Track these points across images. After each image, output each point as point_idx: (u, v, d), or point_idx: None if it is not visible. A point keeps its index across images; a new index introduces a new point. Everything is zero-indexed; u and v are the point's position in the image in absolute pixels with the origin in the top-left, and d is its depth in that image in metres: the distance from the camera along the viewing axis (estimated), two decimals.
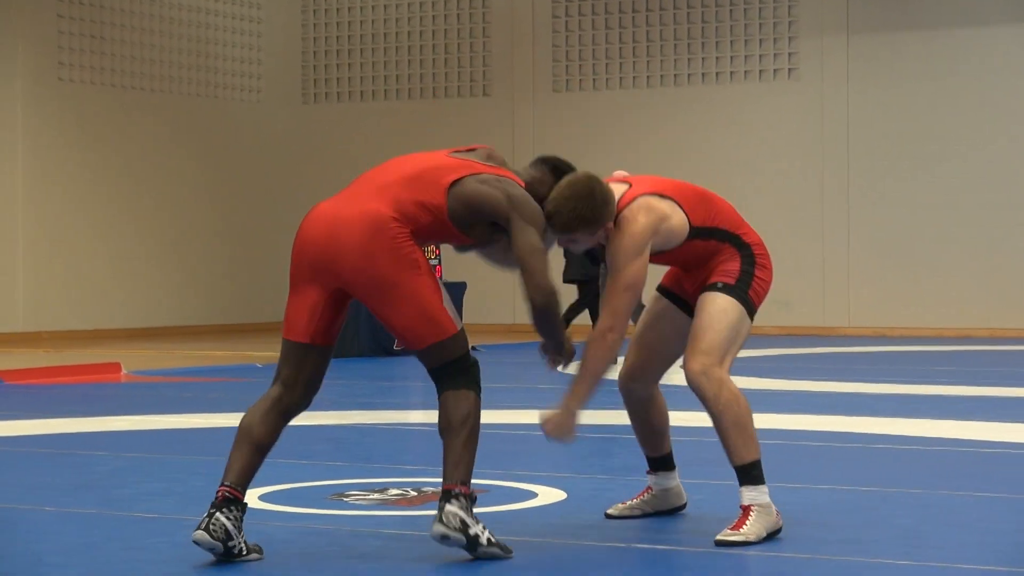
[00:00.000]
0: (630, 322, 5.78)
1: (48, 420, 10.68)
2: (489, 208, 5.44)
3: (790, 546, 5.48)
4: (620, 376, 6.04)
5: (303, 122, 23.66)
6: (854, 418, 9.95)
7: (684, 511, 6.17)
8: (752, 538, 5.49)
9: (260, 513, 6.17)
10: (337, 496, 6.67)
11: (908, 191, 20.45)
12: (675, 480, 6.14)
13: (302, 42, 23.78)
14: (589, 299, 18.50)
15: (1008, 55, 20.08)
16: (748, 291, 5.75)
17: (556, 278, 5.75)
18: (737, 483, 5.63)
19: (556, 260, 7.54)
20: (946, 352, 17.29)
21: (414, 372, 13.13)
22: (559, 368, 5.74)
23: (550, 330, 5.52)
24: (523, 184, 5.58)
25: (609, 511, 6.12)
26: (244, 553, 5.30)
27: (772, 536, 5.56)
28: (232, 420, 9.94)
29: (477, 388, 5.45)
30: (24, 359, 14.17)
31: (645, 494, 6.13)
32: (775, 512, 5.59)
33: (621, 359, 6.10)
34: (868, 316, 20.70)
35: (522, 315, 18.75)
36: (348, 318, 5.86)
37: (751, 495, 5.56)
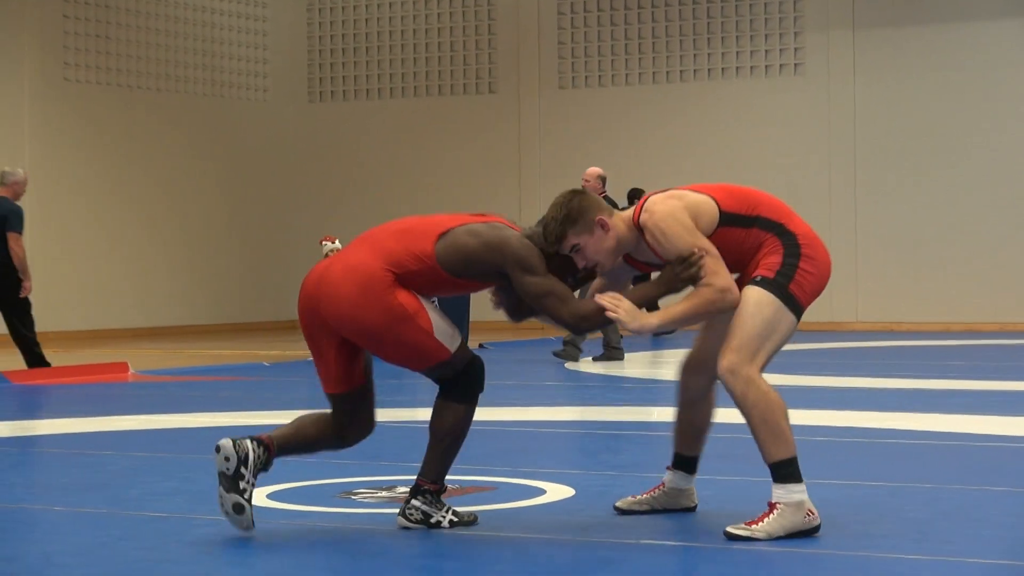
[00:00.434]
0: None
1: (56, 420, 10.69)
2: (478, 259, 5.62)
3: (800, 541, 5.47)
4: (680, 366, 5.99)
5: (310, 120, 23.66)
6: (862, 413, 9.94)
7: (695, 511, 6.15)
8: (760, 535, 5.46)
9: (269, 511, 6.18)
10: (346, 494, 6.67)
11: (915, 185, 20.44)
12: (691, 483, 6.09)
13: (308, 41, 23.79)
14: None
15: (1014, 49, 20.06)
16: (789, 284, 5.59)
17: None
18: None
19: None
20: (954, 346, 17.28)
21: None
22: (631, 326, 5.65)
23: (601, 325, 5.68)
24: (518, 230, 5.70)
25: (618, 503, 6.10)
26: (246, 494, 5.55)
27: (799, 535, 5.50)
28: (240, 419, 9.95)
29: (471, 399, 5.69)
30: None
31: (656, 490, 6.09)
32: (806, 511, 5.52)
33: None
34: (875, 311, 20.69)
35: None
36: None
37: (778, 493, 5.52)
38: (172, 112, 21.70)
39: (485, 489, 6.72)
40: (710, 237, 5.65)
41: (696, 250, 5.53)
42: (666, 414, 10.50)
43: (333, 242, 13.95)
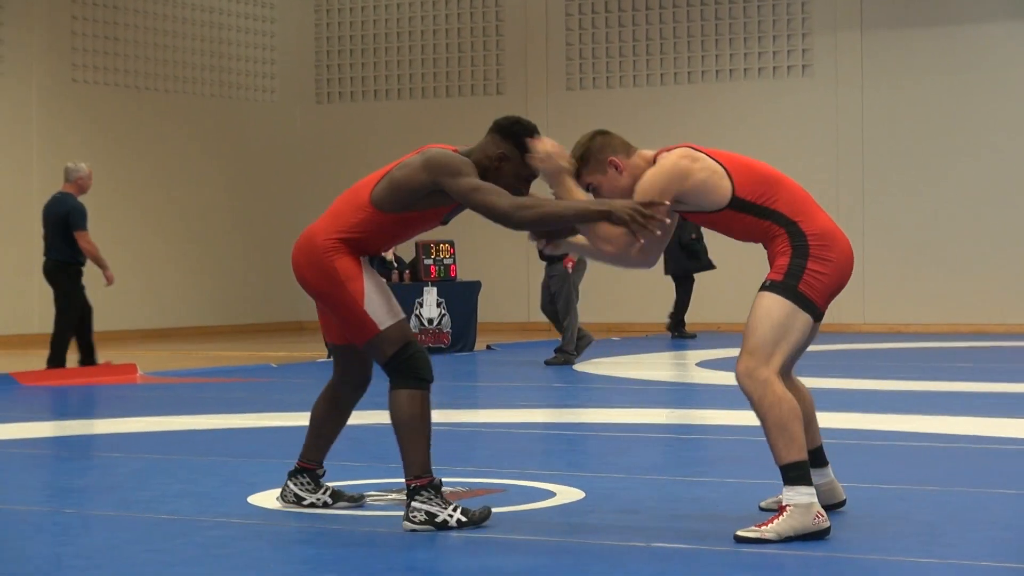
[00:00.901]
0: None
1: (65, 422, 10.70)
2: (407, 184, 5.77)
3: (808, 544, 5.47)
4: None
5: (317, 121, 23.69)
6: (869, 415, 9.94)
7: (843, 507, 6.06)
8: (771, 536, 5.47)
9: (278, 514, 6.19)
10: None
11: (922, 187, 20.42)
12: (827, 476, 6.02)
13: (316, 42, 23.81)
14: (682, 294, 19.06)
15: (1023, 51, 20.04)
16: (798, 285, 5.65)
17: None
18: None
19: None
20: (962, 348, 17.26)
21: None
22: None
23: (554, 220, 5.68)
24: (454, 150, 5.85)
25: (761, 504, 6.07)
26: (330, 503, 6.21)
27: (809, 537, 5.50)
28: (248, 421, 9.96)
29: (416, 384, 5.83)
30: (41, 361, 14.19)
31: None
32: (815, 514, 5.53)
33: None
34: (882, 312, 20.68)
35: (536, 313, 18.71)
36: None
37: (788, 495, 5.55)
38: (180, 113, 21.72)
39: (494, 491, 6.73)
40: (713, 216, 5.72)
41: (658, 208, 5.56)
42: (676, 416, 10.52)
43: None
